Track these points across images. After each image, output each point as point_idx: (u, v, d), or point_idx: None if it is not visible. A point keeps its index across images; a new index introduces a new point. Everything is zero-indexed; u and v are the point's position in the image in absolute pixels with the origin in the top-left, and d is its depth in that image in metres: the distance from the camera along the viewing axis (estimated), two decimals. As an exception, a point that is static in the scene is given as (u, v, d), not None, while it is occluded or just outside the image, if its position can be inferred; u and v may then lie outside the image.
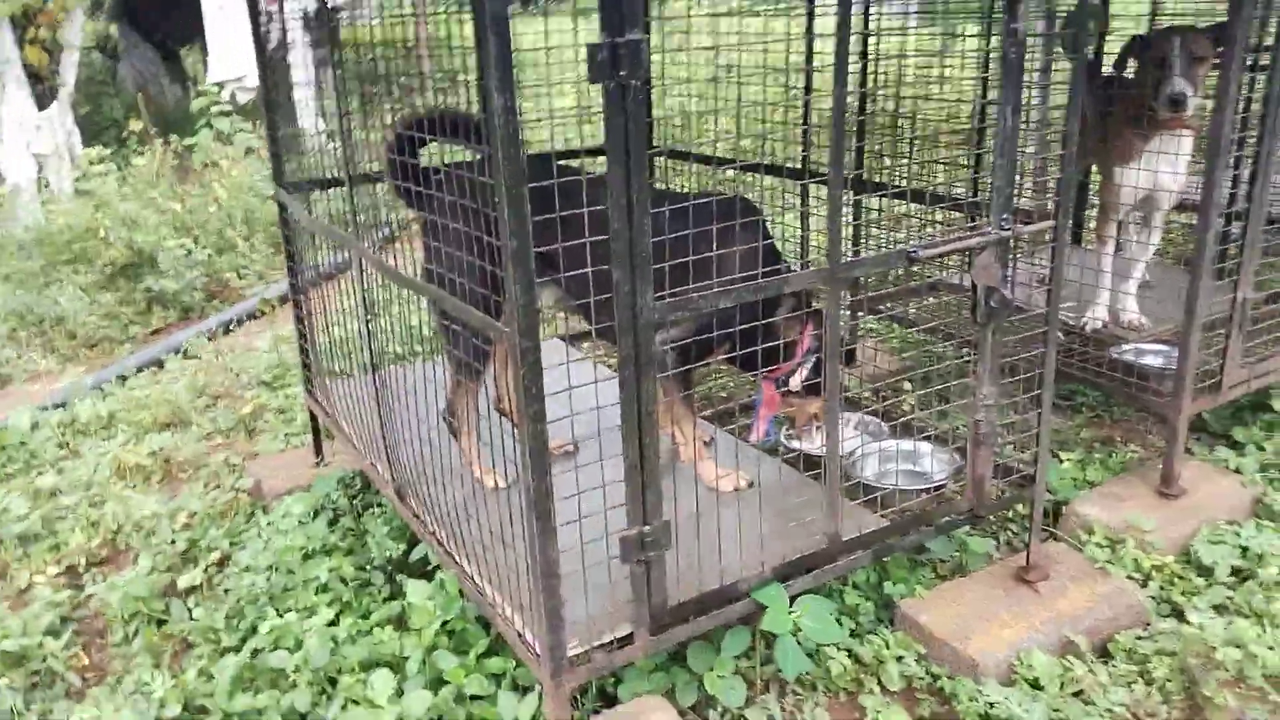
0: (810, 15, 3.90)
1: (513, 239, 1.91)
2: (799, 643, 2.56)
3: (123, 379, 5.18)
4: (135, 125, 8.77)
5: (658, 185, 3.41)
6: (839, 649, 2.79)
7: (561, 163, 3.10)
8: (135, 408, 4.75)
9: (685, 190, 3.89)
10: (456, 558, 2.67)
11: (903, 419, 3.47)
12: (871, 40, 3.90)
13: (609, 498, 2.24)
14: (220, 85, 8.87)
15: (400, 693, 2.59)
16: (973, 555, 3.17)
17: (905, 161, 4.16)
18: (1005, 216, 2.56)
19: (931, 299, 4.27)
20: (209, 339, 5.80)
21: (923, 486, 3.00)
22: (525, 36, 2.89)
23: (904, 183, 3.98)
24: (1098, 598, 2.86)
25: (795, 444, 3.31)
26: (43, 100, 8.43)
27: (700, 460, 2.98)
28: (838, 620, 2.87)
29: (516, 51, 1.88)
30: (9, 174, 7.96)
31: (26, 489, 3.93)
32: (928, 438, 3.17)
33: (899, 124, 4.22)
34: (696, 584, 2.43)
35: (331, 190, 3.19)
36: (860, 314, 4.27)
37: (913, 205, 3.86)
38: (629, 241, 2.03)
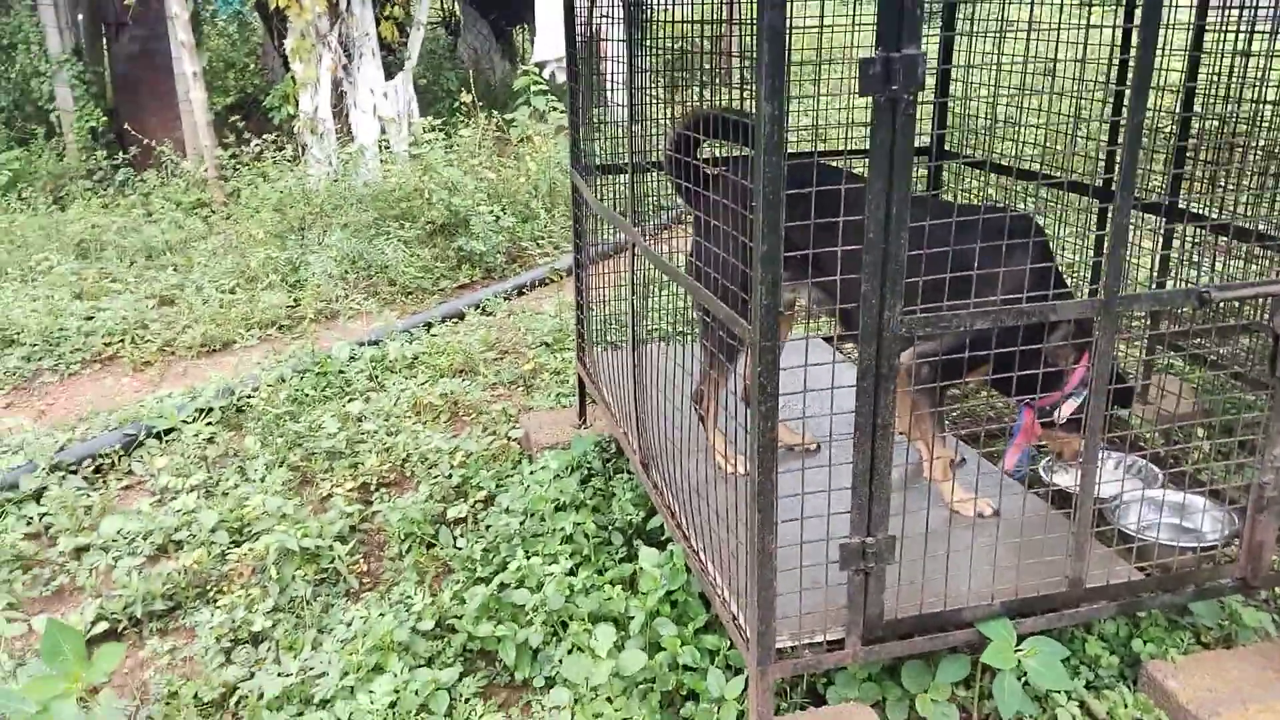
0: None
1: (763, 243, 1.98)
2: (1022, 683, 2.47)
3: (428, 326, 5.77)
4: (466, 98, 9.64)
5: (943, 197, 3.33)
6: (1069, 698, 2.65)
7: (836, 164, 3.12)
8: (435, 353, 5.29)
9: (972, 203, 3.77)
10: (686, 533, 2.80)
11: (1183, 468, 3.18)
12: (1211, 35, 3.49)
13: (838, 502, 2.27)
14: (541, 65, 9.54)
15: (620, 648, 2.77)
16: (1244, 628, 2.88)
17: (1230, 187, 3.76)
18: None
19: (1244, 340, 3.86)
20: (505, 299, 6.32)
21: (1187, 544, 2.76)
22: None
23: (1231, 208, 3.60)
24: (1390, 703, 2.51)
25: (1058, 479, 3.15)
26: (390, 70, 9.46)
27: (943, 480, 2.92)
28: (1071, 667, 2.73)
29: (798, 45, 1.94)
30: (358, 135, 9.03)
31: (338, 412, 4.52)
32: (1206, 492, 2.90)
33: (1231, 141, 3.81)
34: (917, 603, 2.41)
35: (620, 175, 3.41)
36: (1159, 349, 3.95)
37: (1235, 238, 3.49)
38: (883, 254, 2.04)
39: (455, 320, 5.97)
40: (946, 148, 4.10)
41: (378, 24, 9.14)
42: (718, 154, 3.19)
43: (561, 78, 9.85)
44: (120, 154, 9.01)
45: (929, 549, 2.40)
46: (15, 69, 9.47)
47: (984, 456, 3.28)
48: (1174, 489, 2.96)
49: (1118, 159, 2.16)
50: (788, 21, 1.87)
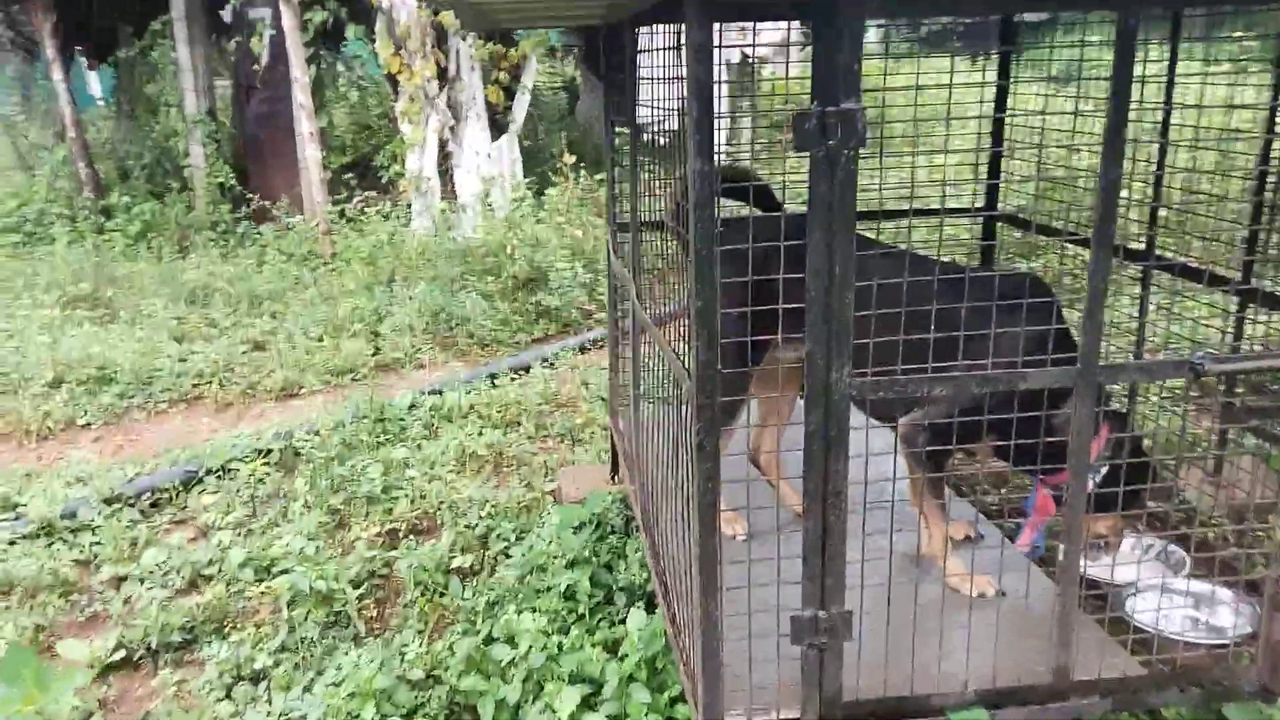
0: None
1: (698, 298, 1.94)
2: (1003, 780, 2.28)
3: (493, 378, 5.88)
4: (568, 159, 9.90)
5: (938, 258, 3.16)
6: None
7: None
8: (491, 404, 5.37)
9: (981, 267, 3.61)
10: (668, 598, 2.72)
11: (1211, 554, 2.91)
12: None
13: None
14: (639, 127, 9.71)
15: (594, 709, 2.70)
16: (1285, 739, 2.58)
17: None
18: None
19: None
20: (574, 353, 6.39)
21: (1195, 639, 2.51)
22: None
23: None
24: None
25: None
26: (497, 132, 9.81)
27: (943, 555, 2.75)
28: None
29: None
30: (461, 193, 9.38)
31: (384, 458, 4.63)
32: (1237, 584, 2.64)
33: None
34: (881, 683, 2.26)
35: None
36: (1230, 425, 3.65)
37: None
38: (824, 309, 1.97)
39: (522, 372, 6.06)
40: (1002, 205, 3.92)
41: (485, 88, 9.53)
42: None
43: (661, 140, 10.01)
44: (244, 208, 9.60)
45: (899, 626, 2.25)
46: (158, 128, 10.27)
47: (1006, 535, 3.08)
48: (1201, 579, 2.70)
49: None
50: (716, 76, 1.84)
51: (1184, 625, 2.54)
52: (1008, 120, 3.71)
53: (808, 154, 1.88)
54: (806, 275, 1.95)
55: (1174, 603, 2.50)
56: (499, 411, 5.27)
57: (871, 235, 3.00)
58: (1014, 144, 3.71)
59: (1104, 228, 1.98)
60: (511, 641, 3.01)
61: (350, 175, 10.01)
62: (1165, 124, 3.10)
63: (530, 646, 2.90)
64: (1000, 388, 2.10)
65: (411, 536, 4.06)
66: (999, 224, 3.90)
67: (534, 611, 3.15)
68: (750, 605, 2.19)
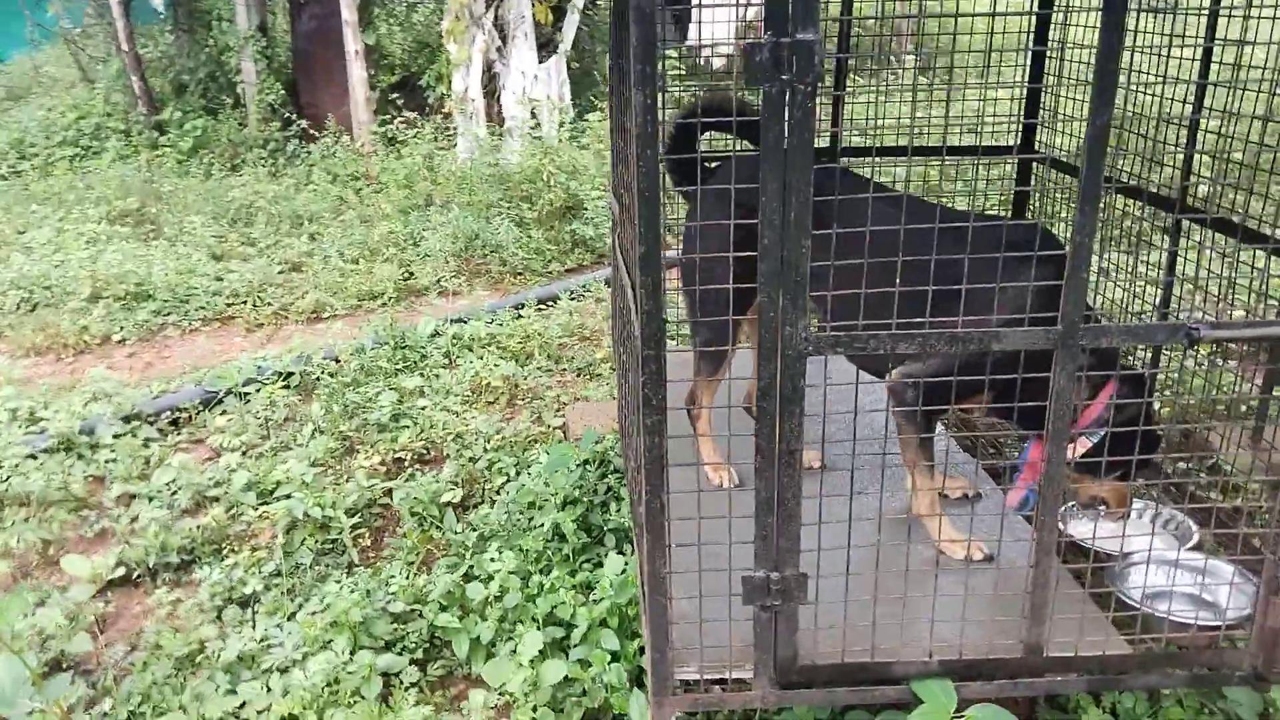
0: None
1: (641, 243, 1.82)
2: (968, 754, 2.19)
3: (519, 308, 5.81)
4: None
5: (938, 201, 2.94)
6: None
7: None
8: (512, 335, 5.32)
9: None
10: (638, 546, 2.66)
11: (1231, 530, 2.73)
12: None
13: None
14: (691, 49, 9.40)
15: (565, 653, 2.68)
16: (1286, 725, 2.45)
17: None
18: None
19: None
20: (605, 285, 6.29)
21: (1186, 619, 2.36)
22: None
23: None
24: None
25: (1073, 528, 2.79)
26: (546, 53, 9.59)
27: (929, 516, 2.63)
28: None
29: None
30: (508, 116, 9.22)
31: (399, 386, 4.63)
32: (1243, 560, 2.47)
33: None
34: (840, 650, 2.17)
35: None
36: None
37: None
38: (780, 261, 1.83)
39: (549, 303, 5.99)
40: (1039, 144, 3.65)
41: (533, 7, 9.29)
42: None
43: (718, 63, 9.68)
44: (293, 126, 9.59)
45: (864, 591, 2.15)
46: (212, 44, 10.26)
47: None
48: (1202, 553, 2.54)
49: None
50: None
51: (1177, 603, 2.39)
52: (1051, 54, 3.45)
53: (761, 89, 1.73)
54: (760, 222, 1.81)
55: (1170, 578, 2.35)
56: (519, 343, 5.22)
57: (874, 179, 2.83)
58: (1057, 80, 3.45)
59: (1091, 176, 1.80)
60: (490, 580, 2.99)
61: (398, 95, 9.90)
62: (1205, 63, 2.83)
63: (504, 586, 2.87)
64: (970, 348, 1.95)
65: (416, 466, 4.06)
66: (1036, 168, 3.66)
67: (518, 550, 3.12)
68: (700, 563, 2.11)
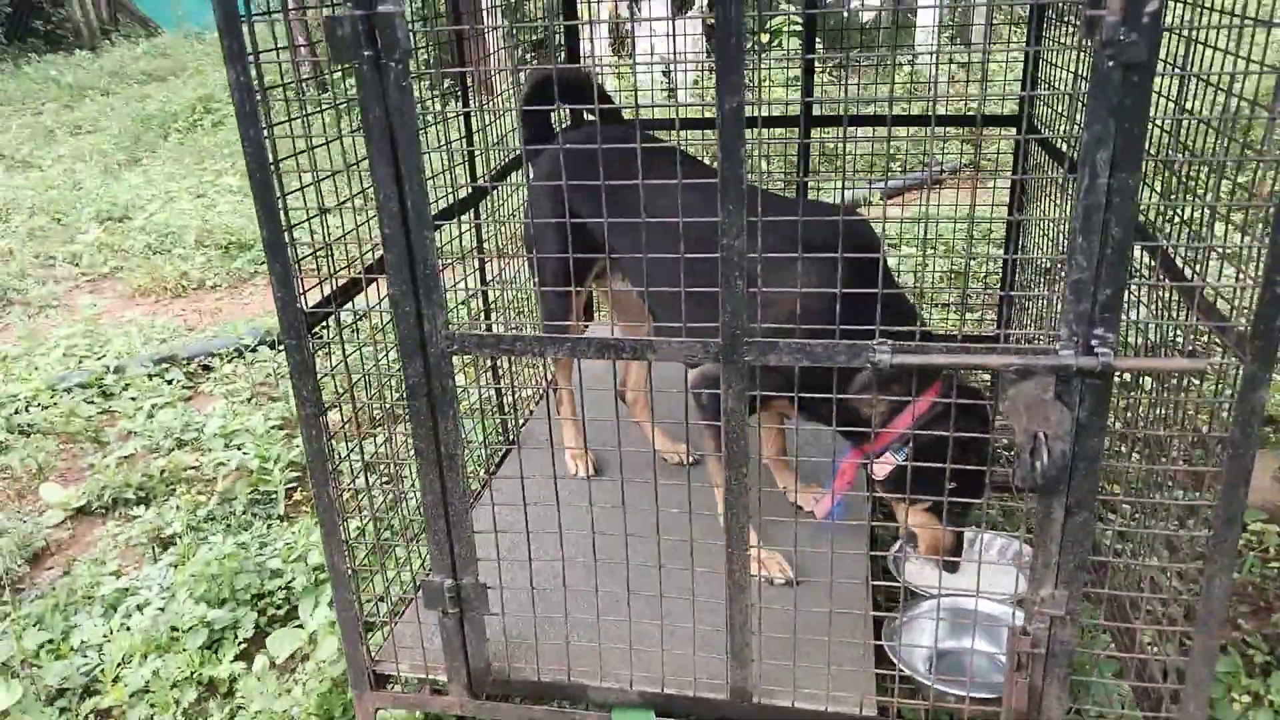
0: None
1: (264, 228, 1.75)
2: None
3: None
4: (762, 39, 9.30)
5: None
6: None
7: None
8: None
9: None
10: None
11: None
12: None
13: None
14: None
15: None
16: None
17: None
18: (1101, 334, 1.51)
19: None
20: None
21: (939, 684, 2.01)
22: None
23: None
24: None
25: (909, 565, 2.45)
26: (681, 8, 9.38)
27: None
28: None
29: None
30: (640, 75, 9.12)
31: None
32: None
33: None
34: (535, 668, 2.04)
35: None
36: None
37: None
38: (404, 251, 1.71)
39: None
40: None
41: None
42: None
43: (866, 16, 9.12)
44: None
45: (573, 608, 2.01)
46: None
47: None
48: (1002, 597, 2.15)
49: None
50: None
51: (974, 661, 2.04)
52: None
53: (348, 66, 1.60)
54: (379, 213, 1.69)
55: (961, 631, 2.01)
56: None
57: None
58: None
59: (731, 169, 1.53)
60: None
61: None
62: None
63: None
64: (625, 356, 1.73)
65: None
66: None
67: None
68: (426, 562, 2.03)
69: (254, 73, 1.65)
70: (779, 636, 1.96)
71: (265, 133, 1.70)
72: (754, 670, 1.90)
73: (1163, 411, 2.06)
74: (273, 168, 1.73)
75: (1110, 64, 1.37)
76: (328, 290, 2.06)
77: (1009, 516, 3.06)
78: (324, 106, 2.03)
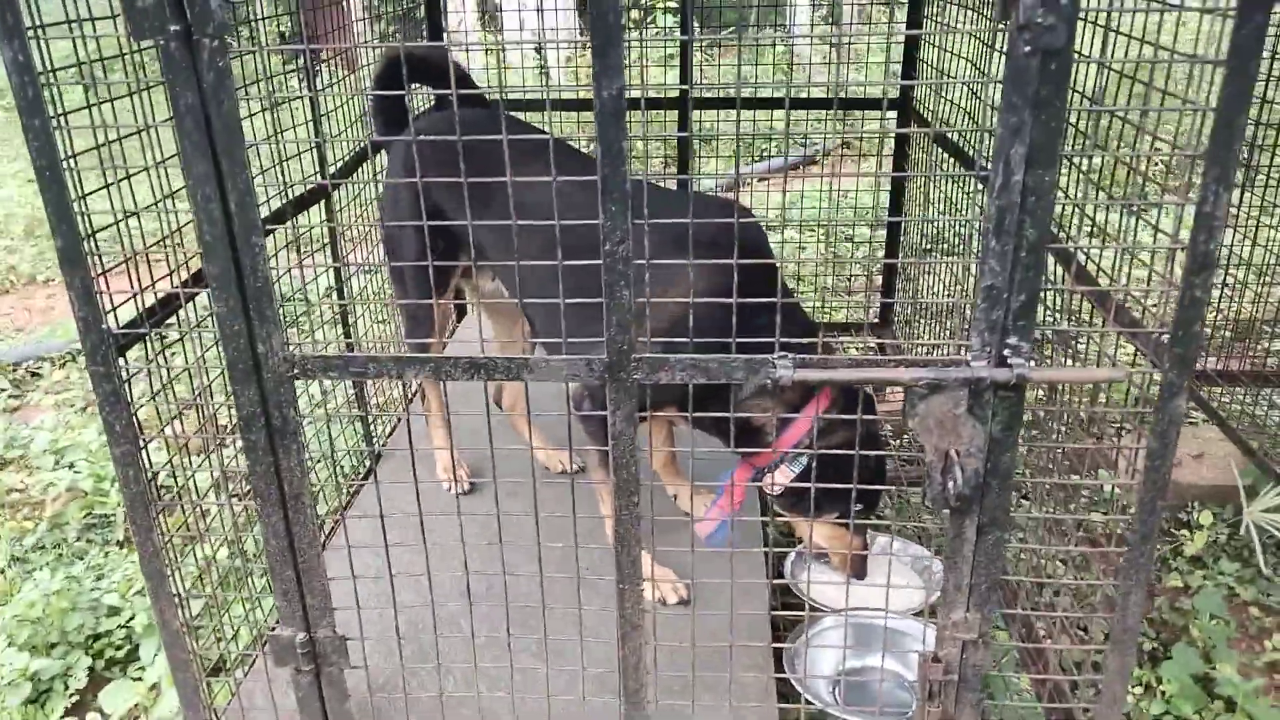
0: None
1: (59, 238, 1.46)
2: None
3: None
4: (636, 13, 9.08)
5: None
6: None
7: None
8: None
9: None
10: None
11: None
12: None
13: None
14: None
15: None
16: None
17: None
18: (1015, 343, 1.39)
19: None
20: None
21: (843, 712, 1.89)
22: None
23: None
24: None
25: (806, 577, 2.32)
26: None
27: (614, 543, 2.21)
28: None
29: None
30: (510, 53, 8.80)
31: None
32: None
33: None
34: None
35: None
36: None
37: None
38: (232, 263, 1.45)
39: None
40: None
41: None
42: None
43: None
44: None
45: (452, 654, 1.80)
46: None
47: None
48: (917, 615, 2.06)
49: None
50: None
51: (877, 687, 1.93)
52: None
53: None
54: (197, 218, 1.43)
55: (867, 652, 1.90)
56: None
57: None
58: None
59: (611, 162, 1.34)
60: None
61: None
62: None
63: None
64: (498, 377, 1.53)
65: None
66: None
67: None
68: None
69: (40, 51, 1.37)
70: (676, 674, 1.80)
71: (55, 123, 1.42)
72: (650, 712, 1.74)
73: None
74: (66, 165, 1.44)
75: (1027, 49, 1.23)
76: (148, 303, 1.77)
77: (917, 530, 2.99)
78: (133, 90, 1.73)
